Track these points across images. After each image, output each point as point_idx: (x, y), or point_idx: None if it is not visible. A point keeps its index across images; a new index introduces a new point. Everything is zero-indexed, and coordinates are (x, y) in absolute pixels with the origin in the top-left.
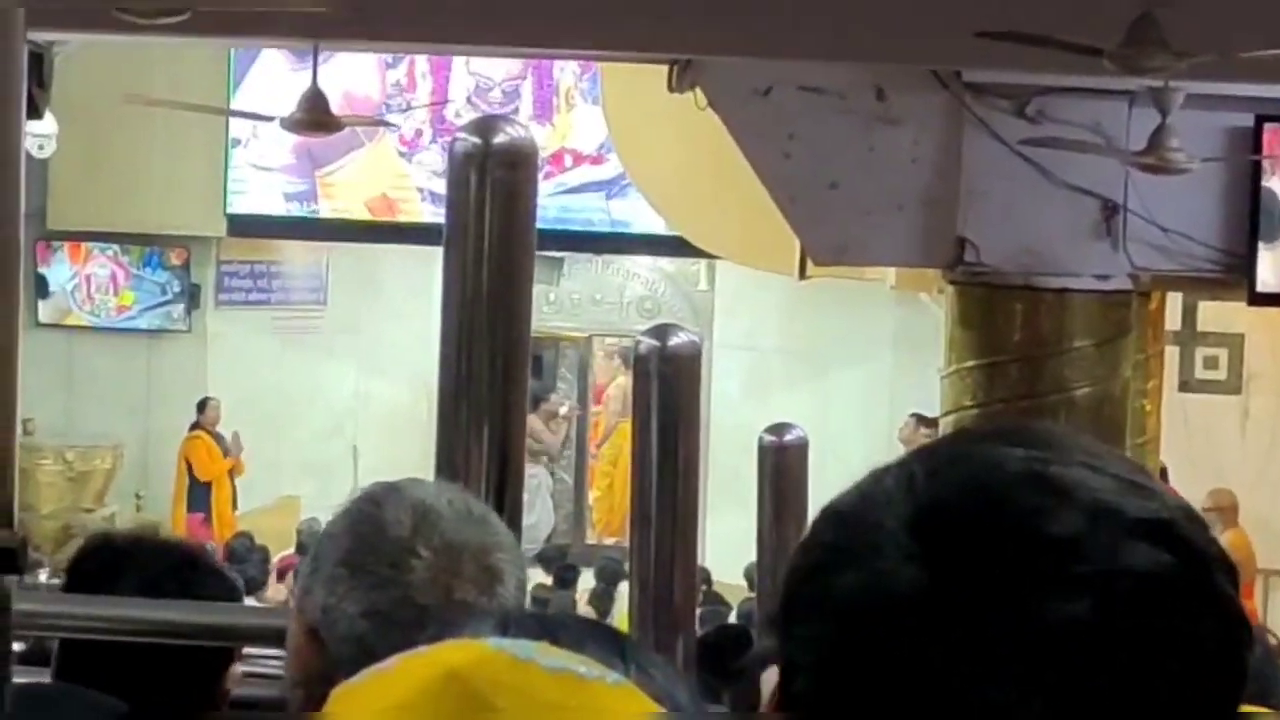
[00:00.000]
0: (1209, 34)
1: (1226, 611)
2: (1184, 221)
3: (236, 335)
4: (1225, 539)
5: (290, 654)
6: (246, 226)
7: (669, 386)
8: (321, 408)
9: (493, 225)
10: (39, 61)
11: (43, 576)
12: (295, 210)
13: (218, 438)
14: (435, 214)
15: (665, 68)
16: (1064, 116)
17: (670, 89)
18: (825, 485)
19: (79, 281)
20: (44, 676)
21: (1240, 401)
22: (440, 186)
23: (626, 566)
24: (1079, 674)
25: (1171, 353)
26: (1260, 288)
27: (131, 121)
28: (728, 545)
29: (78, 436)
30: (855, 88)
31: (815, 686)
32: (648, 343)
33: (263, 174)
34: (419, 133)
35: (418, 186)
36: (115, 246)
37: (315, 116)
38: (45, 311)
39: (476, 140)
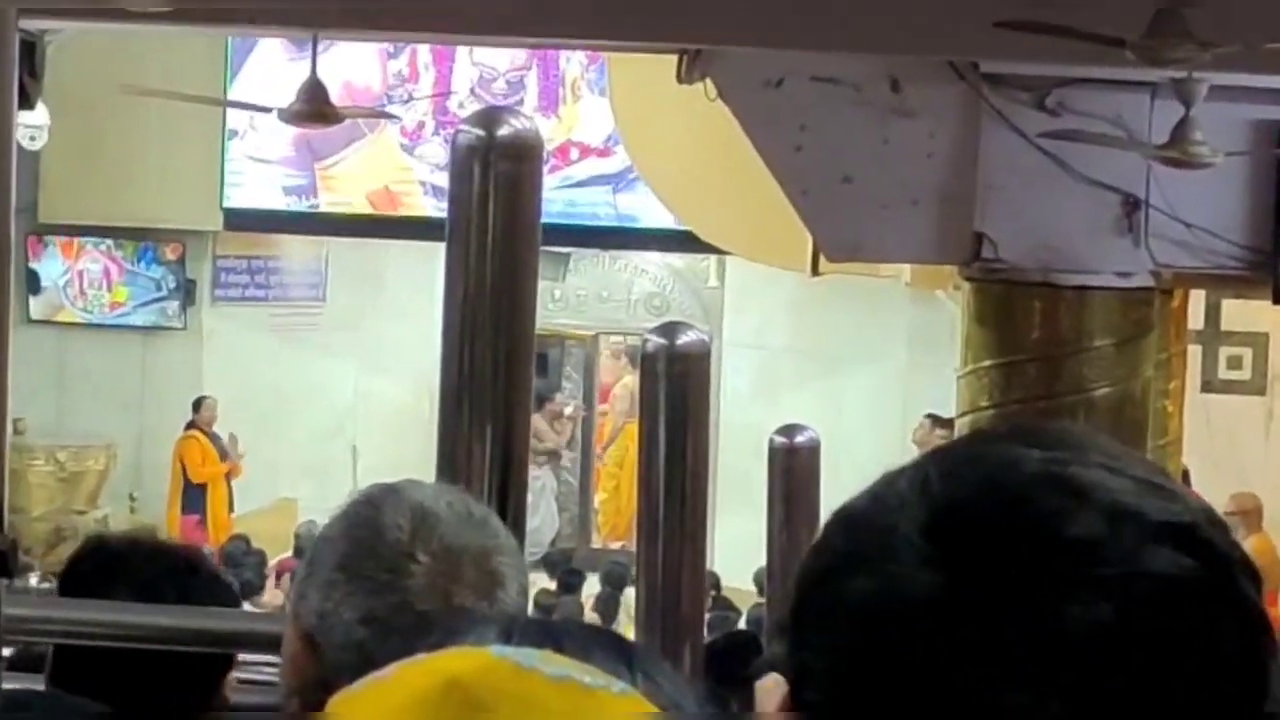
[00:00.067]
0: (1234, 25)
1: (1249, 616)
2: (1207, 217)
3: (233, 332)
4: (1248, 544)
5: (285, 661)
6: (243, 220)
7: (677, 386)
8: (320, 407)
9: (496, 219)
10: (31, 51)
11: (33, 580)
12: (294, 204)
13: (213, 438)
14: (438, 208)
15: (674, 58)
16: (1084, 109)
17: (680, 80)
18: (837, 487)
19: (71, 277)
20: (32, 683)
21: (1265, 403)
22: (443, 180)
23: (633, 571)
24: (1098, 678)
25: (1194, 352)
26: None
27: (125, 112)
28: (737, 549)
29: (69, 436)
30: (870, 79)
31: (829, 693)
32: (656, 341)
33: (260, 166)
34: (421, 125)
35: (420, 180)
36: (109, 241)
37: (315, 108)
38: (36, 308)
39: (480, 132)
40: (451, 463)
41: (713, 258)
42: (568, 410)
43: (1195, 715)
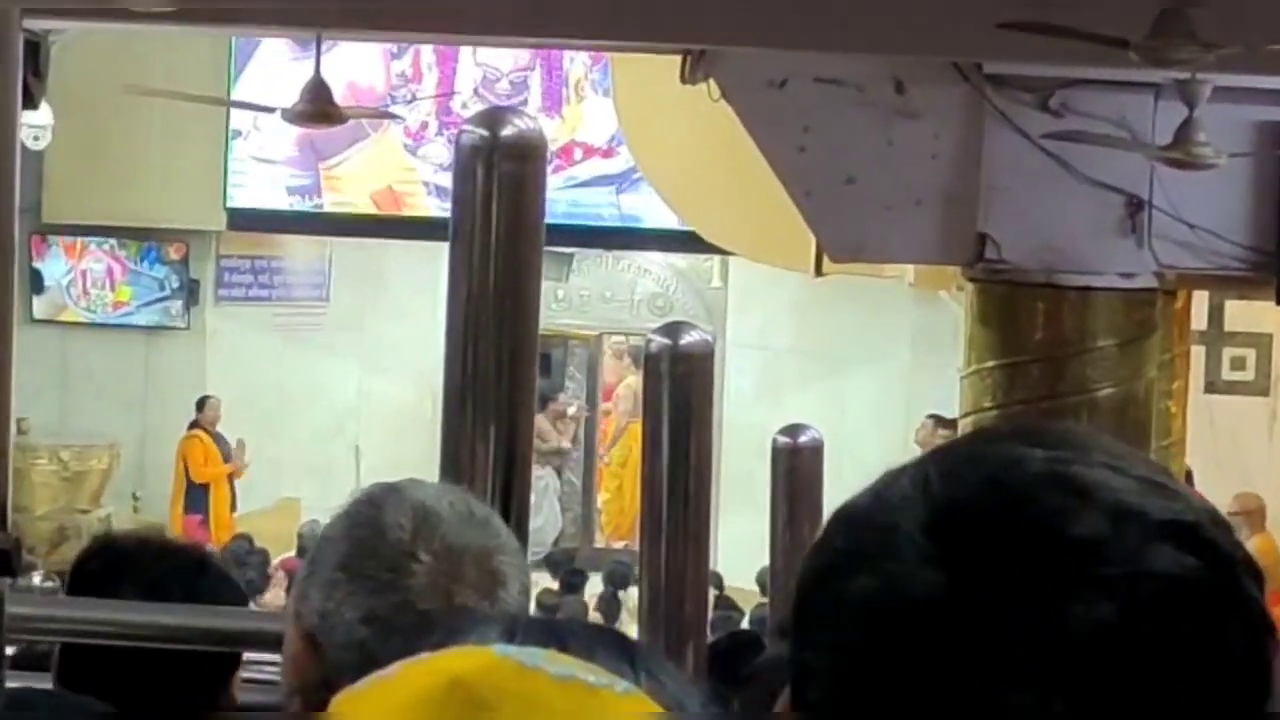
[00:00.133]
0: (1237, 26)
1: (1252, 616)
2: (1210, 218)
3: (236, 332)
4: (1251, 544)
5: (286, 661)
6: (247, 220)
7: (680, 386)
8: (323, 407)
9: (500, 219)
10: (35, 51)
11: (36, 579)
12: (298, 204)
13: (217, 437)
14: (441, 208)
15: (678, 58)
16: (1088, 110)
17: (683, 80)
18: (840, 488)
19: (74, 276)
20: (34, 682)
21: (1268, 403)
22: (446, 180)
23: (635, 571)
24: (1101, 677)
25: (1197, 353)
26: None
27: (129, 112)
28: (740, 549)
29: (73, 436)
30: (873, 80)
31: (831, 692)
32: (659, 341)
33: (264, 166)
34: (424, 125)
35: (423, 180)
36: (112, 240)
37: (318, 108)
38: (40, 307)
39: (484, 132)
40: (455, 463)
41: (716, 258)
42: (571, 410)
43: (1198, 715)
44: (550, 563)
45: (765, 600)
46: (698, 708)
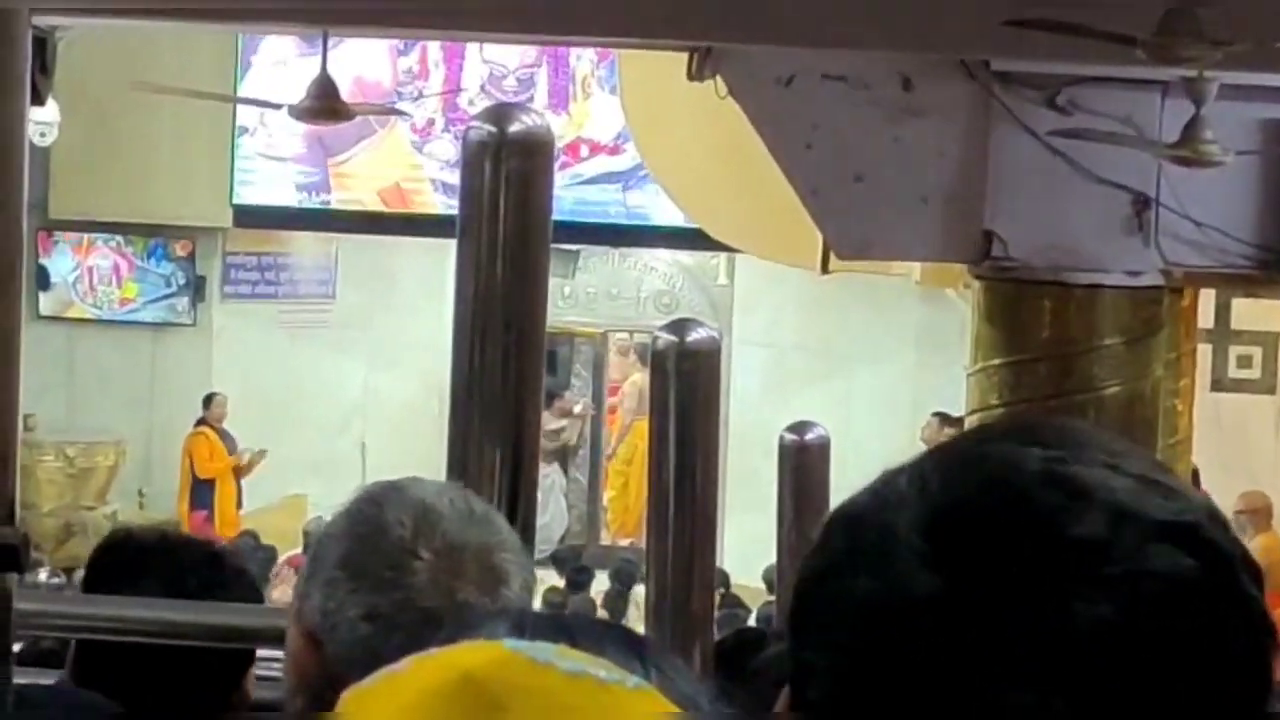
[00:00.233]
0: (1245, 23)
1: (1251, 615)
2: (1218, 216)
3: (242, 329)
4: (1257, 543)
5: (288, 659)
6: (253, 217)
7: (687, 383)
8: (329, 404)
9: (507, 216)
10: (42, 47)
11: (43, 575)
12: (307, 201)
13: (223, 434)
14: (448, 205)
15: (685, 55)
16: (1095, 107)
17: (690, 77)
18: (846, 486)
19: (81, 273)
20: (39, 678)
21: (1275, 401)
22: (453, 177)
23: (642, 568)
24: (1101, 677)
25: (1204, 351)
26: None
27: (136, 109)
28: (746, 547)
29: (79, 432)
30: (880, 77)
31: (830, 692)
32: (666, 338)
33: (272, 163)
34: (431, 122)
35: (430, 177)
36: (119, 237)
37: (325, 104)
38: (46, 303)
39: (491, 128)
40: (461, 460)
41: (722, 255)
42: (577, 408)
43: (1198, 714)
44: (557, 560)
45: (772, 598)
46: (707, 703)
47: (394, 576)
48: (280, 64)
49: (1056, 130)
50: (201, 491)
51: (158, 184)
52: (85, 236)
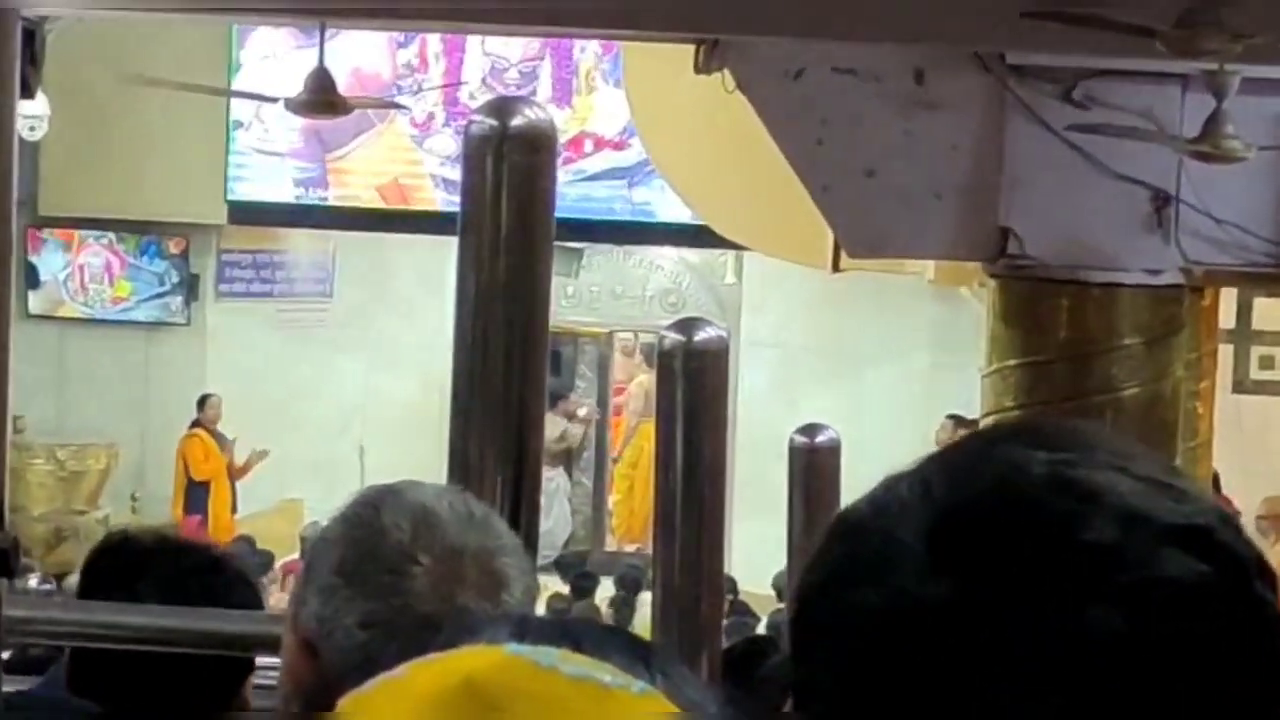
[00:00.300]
0: (1266, 15)
1: (1264, 619)
2: (1239, 213)
3: (238, 328)
4: (1278, 550)
5: (284, 667)
6: (248, 214)
7: (694, 384)
8: (327, 405)
9: (509, 212)
10: (31, 38)
11: (33, 581)
12: (304, 197)
13: (218, 437)
14: (448, 201)
15: (692, 48)
16: (1113, 101)
17: (697, 70)
18: (858, 490)
19: (72, 271)
20: (26, 686)
21: None
22: (453, 173)
23: (648, 574)
24: (1115, 686)
25: (1225, 351)
26: None
27: (128, 102)
28: (755, 553)
29: (70, 434)
30: (892, 70)
31: (835, 706)
32: (672, 338)
33: (268, 159)
34: (431, 116)
35: (430, 173)
36: (110, 234)
37: (322, 97)
38: (36, 302)
39: (492, 122)
40: (462, 463)
41: (730, 253)
42: (581, 412)
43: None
44: (561, 566)
45: (781, 605)
46: (715, 709)
47: (392, 582)
48: (268, 58)
49: (1074, 125)
50: (196, 495)
51: (151, 179)
52: (76, 233)
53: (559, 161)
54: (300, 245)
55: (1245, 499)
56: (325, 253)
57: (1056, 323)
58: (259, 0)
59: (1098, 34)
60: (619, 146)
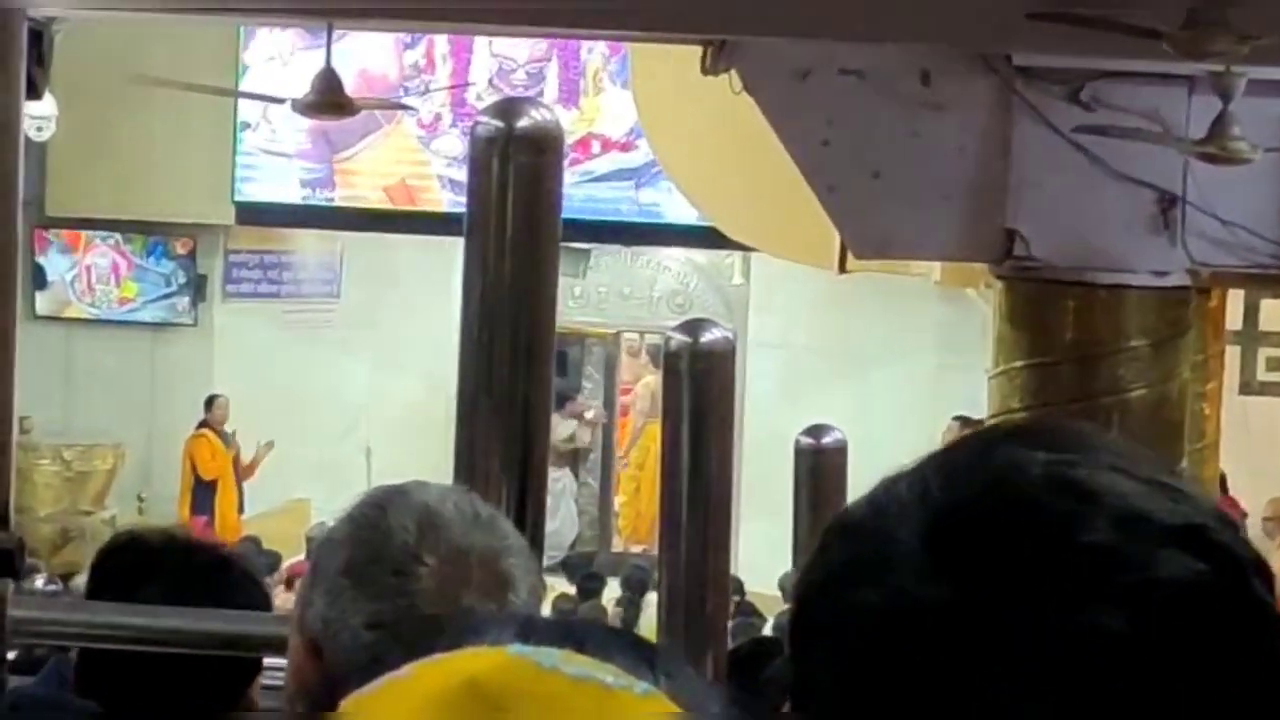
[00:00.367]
0: (1273, 17)
1: (1263, 619)
2: (1246, 214)
3: (245, 329)
4: None
5: (289, 669)
6: (256, 215)
7: (701, 385)
8: (333, 406)
9: (516, 213)
10: (38, 39)
11: (39, 582)
12: (310, 197)
13: (224, 437)
14: (455, 202)
15: (699, 49)
16: (1120, 103)
17: (704, 71)
18: (864, 491)
19: (79, 272)
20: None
21: None
22: (460, 174)
23: (654, 575)
24: (1114, 687)
25: (1232, 353)
26: None
27: (135, 103)
28: (761, 553)
29: (77, 435)
30: (899, 71)
31: (834, 707)
32: (679, 339)
33: (275, 159)
34: (438, 117)
35: (437, 174)
36: (117, 235)
37: (329, 98)
38: (43, 303)
39: (499, 123)
40: (469, 464)
41: (737, 254)
42: (589, 414)
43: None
44: (567, 567)
45: (787, 606)
46: (719, 710)
47: (398, 583)
48: (275, 59)
49: (1080, 126)
50: (202, 496)
51: (158, 180)
52: (83, 234)
53: (566, 163)
54: (307, 246)
55: (1252, 500)
56: (332, 253)
57: (1063, 324)
58: (267, 1)
59: (1104, 35)
60: (626, 147)
